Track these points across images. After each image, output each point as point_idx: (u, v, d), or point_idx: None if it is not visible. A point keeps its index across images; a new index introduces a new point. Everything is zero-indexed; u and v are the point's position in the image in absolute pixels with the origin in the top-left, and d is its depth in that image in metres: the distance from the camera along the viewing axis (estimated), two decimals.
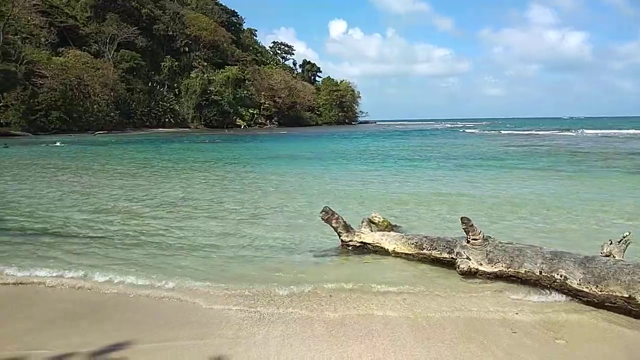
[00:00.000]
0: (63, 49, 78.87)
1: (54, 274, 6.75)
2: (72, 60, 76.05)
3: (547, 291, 5.82)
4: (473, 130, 76.60)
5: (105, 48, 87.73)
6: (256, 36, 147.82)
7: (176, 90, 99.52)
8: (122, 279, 6.56)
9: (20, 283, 6.52)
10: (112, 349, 4.51)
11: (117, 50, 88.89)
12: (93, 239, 9.00)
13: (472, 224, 6.53)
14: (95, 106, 77.14)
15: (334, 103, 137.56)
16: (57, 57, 74.43)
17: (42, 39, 75.59)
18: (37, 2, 74.71)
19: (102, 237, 9.17)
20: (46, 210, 11.92)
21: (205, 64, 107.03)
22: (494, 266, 6.23)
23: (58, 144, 43.73)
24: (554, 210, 10.89)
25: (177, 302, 5.82)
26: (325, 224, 8.10)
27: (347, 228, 8.01)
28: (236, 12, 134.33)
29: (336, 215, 8.00)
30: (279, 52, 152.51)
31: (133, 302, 5.87)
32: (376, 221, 9.02)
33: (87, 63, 78.34)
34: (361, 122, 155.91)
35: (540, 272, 5.82)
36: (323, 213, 7.99)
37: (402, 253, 7.42)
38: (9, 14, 69.47)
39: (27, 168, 23.33)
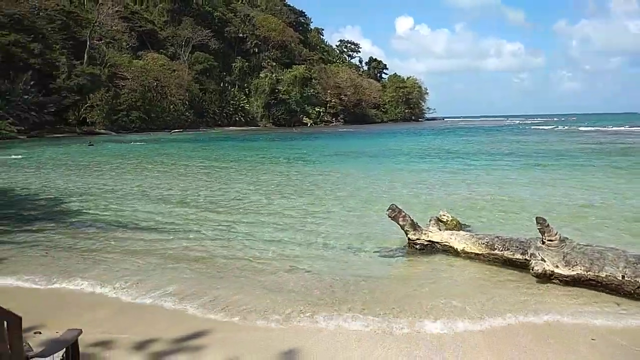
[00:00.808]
0: (142, 52, 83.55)
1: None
2: (151, 62, 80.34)
3: (631, 297, 5.48)
4: (546, 127, 72.77)
5: (181, 50, 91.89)
6: (323, 35, 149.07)
7: (246, 89, 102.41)
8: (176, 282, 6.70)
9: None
10: (191, 336, 4.79)
11: (191, 53, 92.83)
12: (155, 241, 9.47)
13: (548, 224, 6.25)
14: (171, 106, 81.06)
15: (400, 100, 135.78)
16: (137, 60, 78.96)
17: (124, 44, 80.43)
18: (120, 9, 79.63)
19: (163, 238, 9.65)
20: (115, 208, 12.70)
21: (274, 63, 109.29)
22: (572, 269, 5.92)
23: (136, 142, 46.39)
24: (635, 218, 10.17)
25: (240, 302, 6.00)
26: (392, 221, 8.05)
27: (415, 226, 7.92)
28: (304, 12, 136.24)
29: (403, 213, 7.93)
30: (345, 50, 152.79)
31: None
32: (444, 220, 8.85)
33: (164, 65, 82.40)
34: (428, 119, 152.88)
35: (623, 277, 5.48)
36: (390, 210, 7.95)
37: (472, 253, 7.22)
38: (94, 21, 74.54)
39: (107, 165, 24.96)
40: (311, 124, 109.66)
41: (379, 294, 5.99)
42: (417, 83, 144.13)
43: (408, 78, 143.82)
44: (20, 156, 29.97)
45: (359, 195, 13.69)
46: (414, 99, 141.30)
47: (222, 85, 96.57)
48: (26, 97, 57.82)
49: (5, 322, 2.71)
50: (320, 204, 12.47)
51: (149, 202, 13.22)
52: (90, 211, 11.91)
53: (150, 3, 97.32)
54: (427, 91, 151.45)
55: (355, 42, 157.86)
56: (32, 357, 2.91)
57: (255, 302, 5.71)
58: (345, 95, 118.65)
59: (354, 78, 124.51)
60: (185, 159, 28.54)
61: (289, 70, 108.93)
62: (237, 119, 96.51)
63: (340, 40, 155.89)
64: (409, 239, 7.93)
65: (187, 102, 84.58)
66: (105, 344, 4.56)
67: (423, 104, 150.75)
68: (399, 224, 7.97)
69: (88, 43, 71.54)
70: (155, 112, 77.13)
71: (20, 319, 2.80)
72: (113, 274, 6.86)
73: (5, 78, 57.04)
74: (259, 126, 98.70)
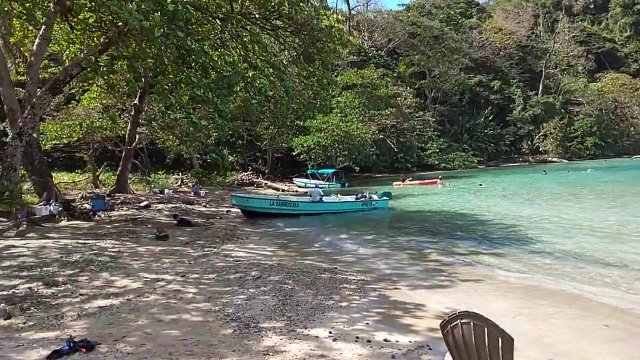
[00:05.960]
0: (600, 74, 78.80)
1: None
2: (609, 84, 74.78)
3: None
4: None
5: None
6: None
7: None
8: None
9: None
10: None
11: None
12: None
13: None
14: (631, 128, 72.79)
15: None
16: (594, 83, 75.09)
17: (580, 68, 78.22)
18: (576, 34, 78.14)
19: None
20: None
21: None
22: None
23: (588, 170, 43.31)
24: None
25: None
26: None
27: None
28: None
29: None
30: None
31: None
32: None
33: (625, 85, 74.98)
34: None
35: None
36: None
37: None
38: (550, 50, 75.85)
39: (553, 194, 24.91)
40: None
41: None
42: None
43: None
44: (483, 185, 33.85)
45: None
46: None
47: None
48: (486, 130, 64.82)
49: (500, 340, 3.09)
50: None
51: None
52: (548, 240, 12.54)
53: (610, 20, 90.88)
54: None
55: None
56: None
57: None
58: None
59: None
60: None
61: None
62: None
63: None
64: None
65: None
66: None
67: None
68: None
69: (543, 73, 73.47)
70: (612, 137, 70.98)
71: (513, 340, 3.10)
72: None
73: (469, 115, 65.81)
74: None
